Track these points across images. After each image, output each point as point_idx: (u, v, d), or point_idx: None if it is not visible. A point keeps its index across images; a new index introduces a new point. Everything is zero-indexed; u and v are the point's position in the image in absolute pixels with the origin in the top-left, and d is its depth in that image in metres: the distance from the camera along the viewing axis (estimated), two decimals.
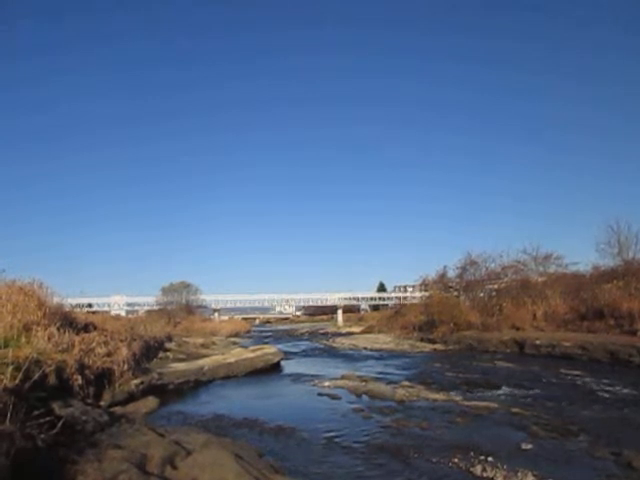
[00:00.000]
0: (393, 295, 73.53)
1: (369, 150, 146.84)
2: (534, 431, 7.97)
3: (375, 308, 73.85)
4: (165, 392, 12.06)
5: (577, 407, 9.99)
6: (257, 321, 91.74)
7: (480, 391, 12.22)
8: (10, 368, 6.09)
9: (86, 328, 13.48)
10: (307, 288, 76.01)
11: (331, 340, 34.49)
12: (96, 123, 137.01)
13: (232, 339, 34.96)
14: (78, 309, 23.40)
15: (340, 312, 69.39)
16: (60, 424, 5.39)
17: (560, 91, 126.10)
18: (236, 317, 73.09)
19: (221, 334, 37.02)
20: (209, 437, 6.77)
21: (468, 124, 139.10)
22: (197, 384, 13.69)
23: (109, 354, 11.14)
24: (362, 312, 74.79)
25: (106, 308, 57.13)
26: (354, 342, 31.07)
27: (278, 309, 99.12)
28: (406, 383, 13.43)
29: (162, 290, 53.58)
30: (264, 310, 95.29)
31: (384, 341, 31.05)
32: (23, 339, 8.73)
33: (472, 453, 6.66)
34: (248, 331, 52.89)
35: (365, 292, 76.81)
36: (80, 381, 8.69)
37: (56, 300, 13.16)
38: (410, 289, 71.28)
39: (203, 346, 23.84)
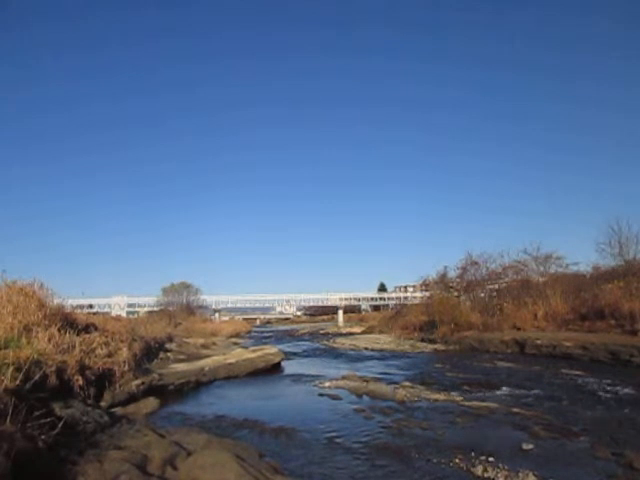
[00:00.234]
0: (394, 295, 73.53)
1: (369, 150, 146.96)
2: (535, 431, 7.95)
3: (376, 308, 73.89)
4: (166, 393, 12.06)
5: (578, 407, 9.98)
6: (258, 321, 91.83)
7: (481, 391, 12.20)
8: (11, 369, 6.09)
9: (87, 329, 13.45)
10: (308, 288, 76.12)
11: (332, 340, 34.49)
12: (96, 124, 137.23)
13: (233, 339, 34.96)
14: (79, 310, 23.38)
15: (341, 312, 69.40)
16: (61, 425, 5.39)
17: (560, 91, 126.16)
18: (237, 317, 73.22)
19: (222, 335, 37.01)
20: (210, 438, 6.77)
21: (468, 124, 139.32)
22: (198, 385, 13.69)
23: (110, 355, 11.15)
24: (363, 312, 74.93)
25: (107, 309, 57.21)
26: (355, 342, 31.08)
27: (279, 309, 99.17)
28: (407, 383, 13.42)
29: (163, 291, 53.63)
30: (265, 310, 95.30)
31: (385, 341, 31.07)
32: (24, 340, 8.71)
33: (473, 453, 6.65)
34: (249, 331, 52.96)
35: (366, 292, 76.85)
36: (81, 382, 8.68)
37: (57, 301, 13.11)
38: (411, 289, 71.32)
39: (204, 347, 23.82)
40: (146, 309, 54.26)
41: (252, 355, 17.37)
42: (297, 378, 15.24)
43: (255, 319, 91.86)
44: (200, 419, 9.31)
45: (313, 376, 15.43)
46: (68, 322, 11.94)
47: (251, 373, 16.00)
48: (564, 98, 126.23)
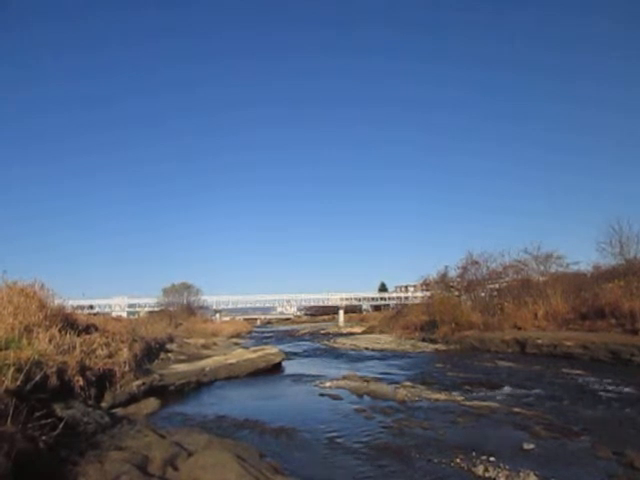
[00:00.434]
0: (394, 295, 73.56)
1: (370, 150, 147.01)
2: (536, 431, 7.94)
3: (376, 308, 73.91)
4: (166, 393, 12.06)
5: (579, 407, 9.97)
6: (258, 322, 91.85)
7: (482, 391, 12.19)
8: (11, 370, 6.10)
9: (87, 330, 13.46)
10: (308, 288, 76.16)
11: (332, 340, 34.49)
12: (96, 124, 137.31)
13: (233, 340, 34.96)
14: (79, 311, 23.40)
15: (341, 312, 69.39)
16: (61, 425, 5.39)
17: (560, 91, 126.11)
18: (237, 318, 73.23)
19: (222, 335, 37.02)
20: (210, 438, 6.77)
21: (468, 124, 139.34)
22: (198, 385, 13.69)
23: (110, 355, 11.15)
24: (364, 312, 74.95)
25: (107, 309, 57.20)
26: (355, 342, 31.09)
27: (279, 310, 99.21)
28: (408, 383, 13.42)
29: (163, 291, 53.59)
30: (265, 311, 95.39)
31: (385, 341, 31.07)
32: (24, 341, 8.71)
33: (474, 453, 6.65)
34: (249, 332, 52.97)
35: (366, 292, 76.87)
36: (81, 382, 8.68)
37: (57, 302, 13.13)
38: (411, 289, 71.32)
39: (204, 347, 23.82)
40: (147, 310, 54.23)
41: (253, 355, 17.38)
42: (298, 378, 15.25)
43: (256, 319, 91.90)
44: (201, 419, 9.31)
45: (314, 376, 15.43)
46: (69, 323, 11.95)
47: (252, 373, 16.00)
48: (564, 98, 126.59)
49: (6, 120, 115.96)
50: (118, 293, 62.62)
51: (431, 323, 32.41)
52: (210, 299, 62.53)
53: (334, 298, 71.91)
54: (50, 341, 9.27)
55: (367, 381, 13.62)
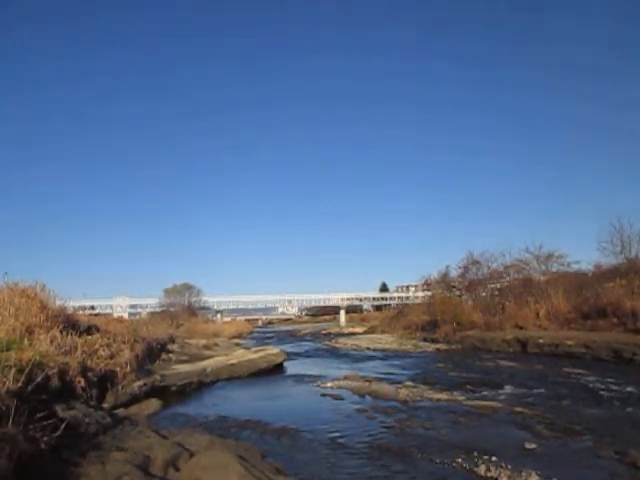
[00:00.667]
0: (395, 295, 73.55)
1: (370, 150, 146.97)
2: (538, 430, 7.93)
3: (378, 308, 73.92)
4: (168, 394, 12.07)
5: (581, 406, 9.95)
6: (260, 322, 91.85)
7: (483, 391, 12.18)
8: (13, 371, 6.09)
9: (89, 330, 13.47)
10: (309, 289, 76.10)
11: (334, 341, 34.48)
12: (98, 126, 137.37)
13: (235, 340, 34.98)
14: (81, 311, 23.45)
15: (343, 312, 69.38)
16: (63, 426, 5.39)
17: (561, 89, 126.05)
18: (239, 318, 73.22)
19: (224, 335, 37.06)
20: (212, 438, 6.77)
21: (469, 123, 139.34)
22: (200, 385, 13.69)
23: (112, 356, 11.17)
24: (365, 312, 74.90)
25: (109, 310, 57.24)
26: (357, 342, 31.07)
27: (281, 310, 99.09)
28: (409, 383, 13.41)
29: (164, 292, 53.73)
30: (267, 311, 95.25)
31: (387, 341, 31.03)
32: (26, 342, 8.73)
33: (476, 453, 6.64)
34: (251, 332, 53.01)
35: (367, 292, 76.86)
36: (83, 383, 8.69)
37: (58, 303, 13.15)
38: (412, 289, 71.29)
39: (206, 347, 23.83)
40: (148, 310, 54.29)
41: (254, 356, 17.38)
42: (299, 378, 15.24)
43: (257, 320, 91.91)
44: (203, 420, 9.32)
45: (315, 376, 15.43)
46: (70, 324, 11.97)
47: (253, 374, 16.00)
48: (565, 97, 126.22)
49: (8, 122, 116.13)
50: (119, 294, 62.71)
51: (432, 323, 32.39)
52: (211, 300, 62.56)
53: (335, 298, 71.90)
54: (51, 342, 9.30)
55: (369, 381, 13.61)
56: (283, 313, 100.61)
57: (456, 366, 17.69)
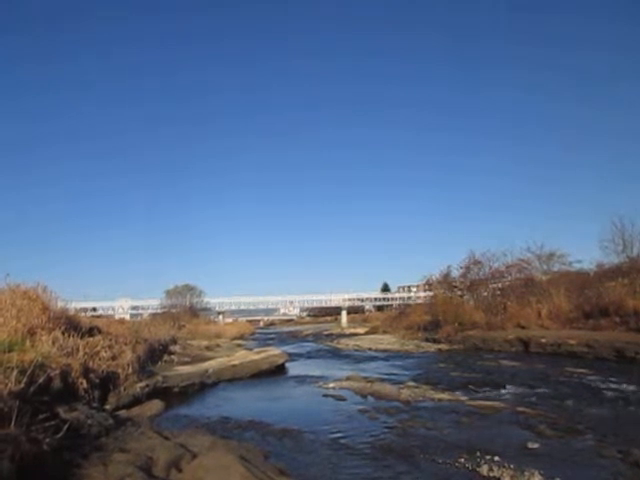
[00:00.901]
0: (397, 295, 73.47)
1: (371, 152, 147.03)
2: (540, 430, 7.91)
3: (379, 309, 73.88)
4: (170, 395, 12.07)
5: (584, 405, 9.92)
6: (261, 323, 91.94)
7: (486, 390, 12.15)
8: (15, 372, 6.11)
9: (90, 332, 13.48)
10: (311, 290, 76.05)
11: (335, 341, 34.44)
12: (99, 128, 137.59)
13: (236, 341, 34.99)
14: (82, 313, 23.44)
15: (344, 313, 69.34)
16: (65, 428, 5.40)
17: (562, 90, 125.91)
18: (240, 319, 73.14)
19: (225, 336, 37.07)
20: (215, 439, 6.77)
21: (469, 124, 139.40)
22: (202, 387, 13.69)
23: (114, 357, 11.18)
24: (366, 313, 74.81)
25: (110, 312, 57.26)
26: (358, 343, 31.02)
27: (282, 311, 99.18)
28: (411, 383, 13.39)
29: (166, 293, 53.86)
30: (268, 312, 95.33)
31: (389, 342, 30.99)
32: (28, 343, 8.75)
33: (478, 453, 6.62)
34: (252, 333, 52.98)
35: (369, 293, 76.78)
36: (85, 385, 8.70)
37: (60, 304, 13.16)
38: (414, 289, 71.15)
39: (208, 349, 23.84)
40: (150, 312, 54.33)
41: (256, 357, 17.37)
42: (301, 379, 15.22)
43: (259, 321, 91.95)
44: (205, 421, 9.30)
45: (317, 377, 15.41)
46: (72, 325, 11.96)
47: (255, 375, 15.98)
48: (565, 97, 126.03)
49: (9, 123, 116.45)
50: (121, 295, 62.84)
51: (434, 323, 32.36)
52: (213, 301, 62.64)
53: (337, 299, 71.85)
54: (53, 343, 9.30)
55: (371, 382, 13.58)
56: (285, 314, 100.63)
57: (458, 366, 17.66)
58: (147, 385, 11.29)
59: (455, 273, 36.69)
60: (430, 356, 22.72)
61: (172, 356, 18.00)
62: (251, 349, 21.97)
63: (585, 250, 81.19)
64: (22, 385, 5.96)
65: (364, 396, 11.81)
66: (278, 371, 17.14)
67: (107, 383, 10.02)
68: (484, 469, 6.04)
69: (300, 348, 30.16)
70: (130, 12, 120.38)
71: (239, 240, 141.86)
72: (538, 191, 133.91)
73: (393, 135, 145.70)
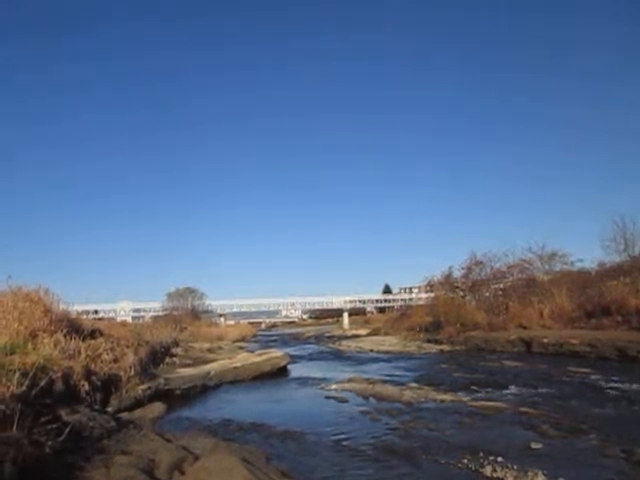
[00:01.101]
0: (399, 297, 73.44)
1: (371, 154, 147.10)
2: (543, 430, 7.88)
3: (381, 310, 73.80)
4: (172, 397, 12.05)
5: (586, 405, 9.89)
6: (263, 325, 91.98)
7: (488, 391, 12.12)
8: (17, 375, 6.11)
9: (92, 334, 13.47)
10: (312, 291, 75.96)
11: (337, 343, 34.43)
12: (100, 130, 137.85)
13: (238, 344, 34.99)
14: (84, 315, 23.43)
15: (346, 315, 69.24)
16: (67, 430, 5.39)
17: (562, 89, 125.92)
18: (242, 322, 73.31)
19: (227, 339, 37.10)
20: (217, 442, 6.77)
21: (469, 125, 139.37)
22: (204, 389, 13.68)
23: (116, 360, 11.17)
24: (368, 314, 74.78)
25: (112, 314, 57.28)
26: (360, 345, 30.99)
27: (284, 313, 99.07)
28: (413, 384, 13.36)
29: (168, 296, 53.89)
30: (270, 314, 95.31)
31: (390, 343, 30.95)
32: (29, 346, 8.74)
33: (481, 454, 6.59)
34: (254, 335, 53.02)
35: (371, 294, 76.76)
36: (87, 387, 8.70)
37: (62, 307, 13.14)
38: (415, 290, 71.01)
39: (209, 351, 23.83)
40: (151, 314, 54.33)
41: (258, 359, 17.36)
42: (303, 381, 15.20)
43: (260, 323, 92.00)
44: (207, 423, 9.28)
45: (319, 379, 15.39)
46: (74, 328, 11.97)
47: (257, 377, 15.97)
48: (565, 96, 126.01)
49: (8, 125, 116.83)
50: (123, 298, 62.79)
51: (436, 324, 32.30)
52: (214, 303, 62.68)
53: (338, 300, 71.78)
54: (55, 346, 9.29)
55: (373, 383, 13.55)
56: (286, 316, 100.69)
57: (460, 367, 17.63)
58: (149, 387, 11.28)
59: (456, 274, 36.60)
60: (432, 357, 22.69)
61: (174, 358, 18.00)
62: (253, 351, 21.97)
63: (586, 249, 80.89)
64: (24, 388, 5.96)
65: (366, 398, 11.78)
66: (280, 373, 17.12)
67: (109, 385, 10.01)
68: (487, 470, 6.02)
69: (302, 350, 30.13)
70: (131, 16, 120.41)
71: (240, 242, 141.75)
72: (539, 191, 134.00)
73: (394, 137, 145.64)
